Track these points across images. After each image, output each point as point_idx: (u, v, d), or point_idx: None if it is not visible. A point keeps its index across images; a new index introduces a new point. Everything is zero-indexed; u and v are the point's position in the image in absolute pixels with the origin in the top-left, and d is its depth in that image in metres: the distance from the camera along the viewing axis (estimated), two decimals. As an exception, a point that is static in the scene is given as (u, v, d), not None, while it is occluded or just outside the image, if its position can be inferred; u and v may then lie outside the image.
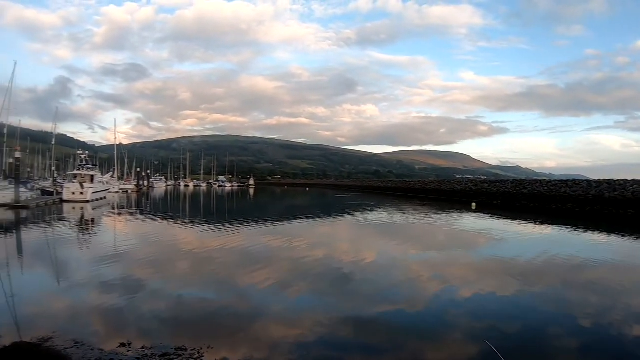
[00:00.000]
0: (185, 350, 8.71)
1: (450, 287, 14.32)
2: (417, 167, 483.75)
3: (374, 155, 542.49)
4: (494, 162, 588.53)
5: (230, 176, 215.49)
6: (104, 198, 65.67)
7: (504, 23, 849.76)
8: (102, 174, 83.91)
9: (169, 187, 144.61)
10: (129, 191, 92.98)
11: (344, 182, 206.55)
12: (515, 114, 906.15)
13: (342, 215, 47.47)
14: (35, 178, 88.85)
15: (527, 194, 56.83)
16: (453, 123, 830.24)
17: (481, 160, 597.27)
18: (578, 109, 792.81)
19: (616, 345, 9.55)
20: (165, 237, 27.12)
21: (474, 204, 53.49)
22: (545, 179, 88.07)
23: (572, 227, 32.09)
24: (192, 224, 35.10)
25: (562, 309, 12.10)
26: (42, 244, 24.66)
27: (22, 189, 48.73)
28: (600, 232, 30.02)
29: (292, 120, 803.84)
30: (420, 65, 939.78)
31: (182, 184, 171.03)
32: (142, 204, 62.09)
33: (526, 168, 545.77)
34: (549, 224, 34.62)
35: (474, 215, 44.14)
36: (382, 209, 55.80)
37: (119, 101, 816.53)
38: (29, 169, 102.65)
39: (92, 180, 62.99)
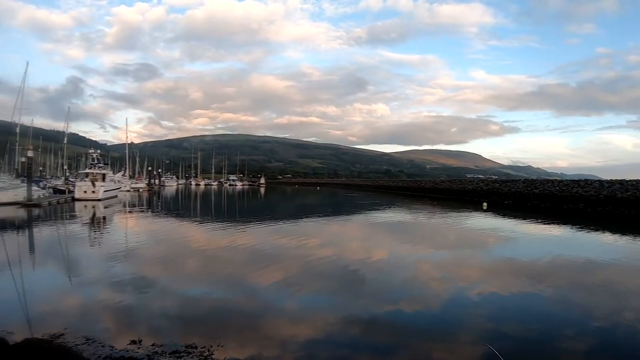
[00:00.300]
0: (196, 348, 8.74)
1: (458, 288, 14.25)
2: (428, 166, 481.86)
3: (385, 154, 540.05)
4: (505, 162, 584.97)
5: (241, 175, 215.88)
6: (116, 196, 65.96)
7: (515, 21, 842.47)
8: (113, 173, 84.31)
9: (180, 186, 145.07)
10: (140, 190, 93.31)
11: (355, 181, 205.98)
12: (526, 113, 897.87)
13: (352, 215, 47.44)
14: (47, 177, 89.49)
15: (539, 194, 56.48)
16: (464, 122, 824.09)
17: (492, 159, 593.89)
18: (589, 108, 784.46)
19: (625, 352, 9.34)
20: (176, 236, 27.23)
21: (485, 204, 53.24)
22: (557, 179, 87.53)
23: (583, 228, 31.83)
24: (202, 223, 35.18)
25: (569, 311, 12.01)
26: (54, 241, 24.82)
27: (35, 188, 49.10)
28: (612, 233, 29.75)
29: (303, 119, 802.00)
30: (431, 64, 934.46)
31: (193, 182, 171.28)
32: (153, 203, 62.35)
33: (538, 168, 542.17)
34: (560, 225, 34.34)
35: (485, 215, 43.94)
36: (392, 209, 55.72)
37: (130, 101, 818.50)
38: (41, 168, 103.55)
39: (103, 179, 63.35)
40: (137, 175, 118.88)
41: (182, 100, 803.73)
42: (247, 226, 32.34)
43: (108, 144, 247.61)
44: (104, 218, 38.66)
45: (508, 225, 35.61)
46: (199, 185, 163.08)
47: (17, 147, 61.90)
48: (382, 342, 9.59)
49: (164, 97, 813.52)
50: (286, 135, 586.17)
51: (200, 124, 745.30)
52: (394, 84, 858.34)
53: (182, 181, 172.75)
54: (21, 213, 38.65)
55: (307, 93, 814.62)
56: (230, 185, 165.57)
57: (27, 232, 28.94)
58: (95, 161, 69.32)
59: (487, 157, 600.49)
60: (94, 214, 41.30)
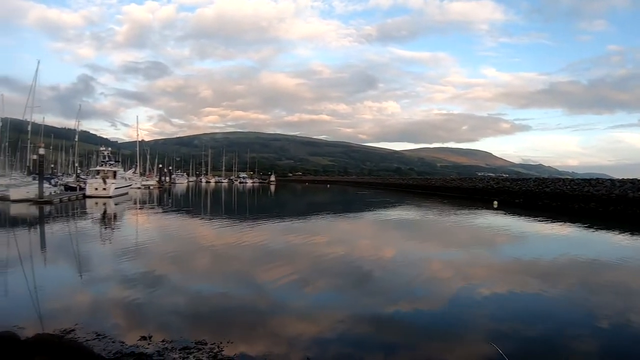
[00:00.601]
0: (205, 344, 8.77)
1: (466, 287, 14.13)
2: (438, 164, 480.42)
3: (395, 152, 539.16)
4: (516, 160, 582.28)
5: (252, 173, 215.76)
6: (126, 194, 66.27)
7: (526, 18, 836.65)
8: (124, 170, 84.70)
9: (190, 184, 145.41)
10: (151, 187, 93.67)
11: (365, 179, 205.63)
12: (537, 111, 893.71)
13: (362, 212, 47.36)
14: (59, 174, 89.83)
15: (550, 192, 56.11)
16: (475, 120, 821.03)
17: (503, 158, 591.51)
18: (601, 106, 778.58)
19: (633, 354, 9.20)
20: (186, 233, 27.32)
21: (495, 202, 53.04)
22: (568, 177, 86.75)
23: (594, 227, 31.59)
24: (212, 220, 35.23)
25: (577, 311, 11.88)
26: (65, 238, 24.96)
27: (46, 185, 49.36)
28: (623, 232, 29.48)
29: (314, 117, 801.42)
30: (442, 62, 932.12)
31: (203, 180, 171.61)
32: (163, 200, 62.56)
33: (549, 166, 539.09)
34: (570, 224, 34.08)
35: (495, 213, 43.79)
36: (402, 207, 55.61)
37: (141, 99, 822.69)
38: (52, 165, 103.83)
39: (114, 176, 63.58)
40: (147, 173, 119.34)
41: (192, 98, 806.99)
42: (256, 223, 32.35)
43: (119, 142, 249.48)
44: (115, 215, 38.84)
45: (518, 224, 35.46)
46: (210, 182, 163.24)
47: (28, 145, 62.37)
48: (388, 340, 9.57)
49: (175, 95, 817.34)
50: (296, 133, 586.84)
51: (211, 121, 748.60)
52: (404, 81, 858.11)
53: (192, 179, 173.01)
54: (33, 210, 38.92)
55: (318, 91, 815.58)
56: (240, 182, 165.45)
57: (38, 229, 29.13)
58: (106, 159, 69.60)
59: (498, 156, 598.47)
60: (105, 211, 41.47)
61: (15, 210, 38.41)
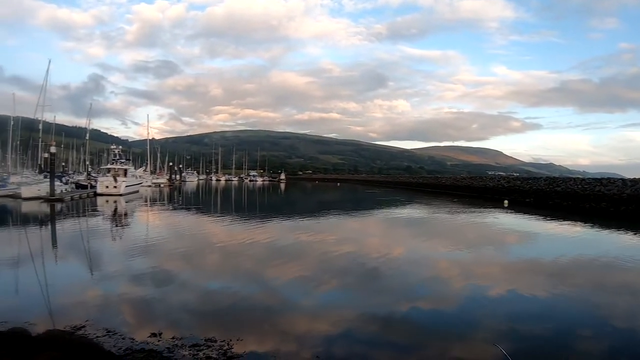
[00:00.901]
0: (215, 341, 8.79)
1: (474, 287, 14.06)
2: (448, 163, 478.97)
3: (406, 150, 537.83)
4: (526, 159, 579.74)
5: (262, 171, 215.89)
6: (137, 192, 66.54)
7: (536, 16, 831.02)
8: (135, 168, 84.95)
9: (200, 182, 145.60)
10: (162, 185, 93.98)
11: (375, 177, 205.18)
12: (548, 109, 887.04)
13: (372, 211, 47.31)
14: (70, 172, 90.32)
15: (561, 192, 55.74)
16: (485, 119, 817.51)
17: (514, 156, 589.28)
18: (612, 104, 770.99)
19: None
20: (196, 231, 27.41)
21: (506, 202, 52.82)
22: (579, 176, 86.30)
23: (605, 227, 31.37)
24: (223, 218, 35.31)
25: (584, 313, 11.77)
26: (76, 236, 25.11)
27: (57, 183, 49.62)
28: (635, 233, 29.25)
29: (324, 115, 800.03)
30: (452, 60, 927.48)
31: (213, 178, 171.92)
32: (174, 198, 62.78)
33: (559, 165, 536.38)
34: (581, 224, 33.82)
35: (505, 212, 43.61)
36: (412, 205, 55.50)
37: (151, 97, 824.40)
38: (63, 163, 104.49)
39: (125, 174, 63.91)
40: (158, 171, 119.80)
41: (202, 97, 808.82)
42: (266, 222, 32.42)
43: (129, 140, 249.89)
44: (125, 213, 39.01)
45: (528, 223, 35.30)
46: (220, 180, 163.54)
47: (40, 143, 62.82)
48: (394, 339, 9.55)
49: (185, 93, 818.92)
50: (306, 131, 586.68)
51: (221, 120, 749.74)
52: (414, 80, 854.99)
53: (202, 177, 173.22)
54: (44, 208, 39.17)
55: (328, 89, 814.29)
56: (250, 181, 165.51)
57: (49, 226, 29.32)
58: (117, 157, 69.99)
59: (509, 154, 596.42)
60: (116, 209, 41.69)
61: (26, 207, 38.66)
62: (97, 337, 8.71)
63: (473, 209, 48.29)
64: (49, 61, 58.07)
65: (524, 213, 42.67)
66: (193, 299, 12.00)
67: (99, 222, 30.88)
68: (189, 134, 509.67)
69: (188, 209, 43.74)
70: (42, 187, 47.11)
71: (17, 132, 73.16)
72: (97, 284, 13.33)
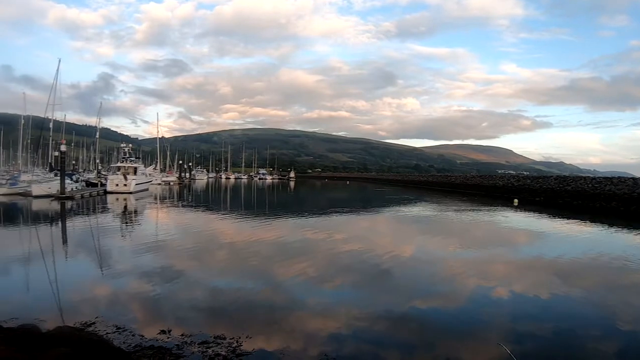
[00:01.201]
0: (224, 339, 8.81)
1: (482, 286, 13.94)
2: (458, 161, 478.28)
3: (415, 149, 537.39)
4: (537, 158, 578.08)
5: (271, 169, 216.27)
6: (147, 190, 66.84)
7: (546, 13, 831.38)
8: (144, 167, 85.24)
9: (210, 180, 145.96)
10: (171, 183, 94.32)
11: (385, 175, 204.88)
12: (558, 107, 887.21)
13: (381, 209, 47.15)
14: (80, 170, 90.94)
15: (571, 191, 55.38)
16: (495, 117, 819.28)
17: (524, 155, 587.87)
18: (623, 103, 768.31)
19: None
20: (205, 229, 27.47)
21: (515, 200, 52.58)
22: (590, 175, 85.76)
23: (615, 227, 31.06)
24: (232, 216, 35.31)
25: (590, 314, 11.59)
26: (86, 233, 25.23)
27: (67, 181, 50.03)
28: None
29: (333, 113, 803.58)
30: (461, 58, 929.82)
31: (223, 176, 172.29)
32: (183, 196, 62.92)
33: (570, 164, 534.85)
34: (592, 223, 33.55)
35: (515, 211, 43.38)
36: (421, 204, 55.29)
37: (160, 96, 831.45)
38: (73, 162, 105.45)
39: (135, 173, 64.18)
40: (168, 169, 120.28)
41: (211, 95, 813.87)
42: (276, 219, 32.46)
43: (139, 138, 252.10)
44: (135, 211, 39.17)
45: (538, 222, 35.11)
46: (229, 178, 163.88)
47: (50, 142, 62.96)
48: (400, 338, 9.57)
49: (194, 92, 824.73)
50: (316, 130, 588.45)
51: (230, 118, 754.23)
52: (423, 78, 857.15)
53: (212, 175, 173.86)
54: (54, 205, 39.40)
55: (337, 87, 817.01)
56: (260, 179, 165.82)
57: (60, 224, 29.49)
58: (127, 155, 70.24)
59: (519, 153, 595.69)
60: (126, 207, 41.88)
61: (37, 205, 38.90)
62: (107, 333, 8.77)
63: (483, 208, 48.07)
64: (59, 60, 58.21)
65: (534, 212, 42.42)
66: (202, 296, 12.04)
67: (109, 220, 31.02)
68: (198, 132, 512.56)
69: (197, 207, 43.83)
70: (52, 185, 47.50)
71: (28, 131, 73.77)
72: (107, 281, 13.40)
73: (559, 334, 9.83)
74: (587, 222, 33.89)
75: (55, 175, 51.85)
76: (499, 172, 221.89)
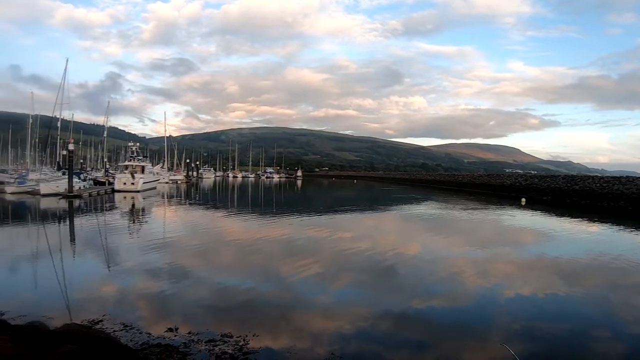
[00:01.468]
0: (231, 337, 8.82)
1: (487, 286, 13.91)
2: (465, 160, 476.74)
3: (422, 147, 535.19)
4: (544, 157, 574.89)
5: (278, 168, 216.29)
6: (154, 188, 66.95)
7: (554, 11, 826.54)
8: (152, 165, 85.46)
9: (217, 178, 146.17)
10: (179, 182, 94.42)
11: (392, 174, 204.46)
12: (566, 106, 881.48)
13: (388, 207, 47.08)
14: (88, 169, 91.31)
15: (579, 190, 55.03)
16: (502, 115, 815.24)
17: (531, 154, 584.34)
18: (632, 101, 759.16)
19: None
20: (213, 227, 27.49)
21: (523, 200, 52.36)
22: (598, 175, 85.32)
23: (623, 227, 30.80)
24: (239, 214, 35.33)
25: (595, 315, 11.48)
26: (94, 231, 25.34)
27: (75, 179, 50.26)
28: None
29: (340, 112, 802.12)
30: (468, 56, 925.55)
31: (230, 175, 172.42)
32: (190, 194, 63.01)
33: (578, 163, 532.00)
34: (599, 223, 33.34)
35: (522, 210, 43.19)
36: (429, 203, 55.20)
37: (168, 95, 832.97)
38: (81, 160, 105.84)
39: (142, 171, 64.34)
40: (175, 168, 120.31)
41: (218, 94, 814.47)
42: (283, 218, 32.46)
43: (147, 137, 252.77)
44: (143, 209, 39.29)
45: (545, 221, 34.97)
46: (236, 177, 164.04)
47: (58, 141, 63.27)
48: (404, 337, 9.58)
49: (201, 91, 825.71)
50: (323, 128, 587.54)
51: (237, 117, 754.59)
52: (430, 76, 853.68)
53: (219, 173, 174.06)
54: (62, 204, 39.58)
55: (344, 86, 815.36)
56: (267, 177, 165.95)
57: (68, 222, 29.61)
58: (135, 154, 70.34)
59: (526, 152, 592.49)
60: (133, 205, 42.02)
61: (45, 204, 39.09)
62: (114, 331, 8.80)
63: (490, 207, 47.93)
64: (67, 60, 58.43)
65: (542, 211, 42.24)
66: (209, 294, 12.06)
67: (116, 218, 31.14)
68: (205, 131, 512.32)
69: (205, 205, 43.92)
70: (60, 184, 47.76)
71: (36, 130, 74.06)
72: (114, 279, 13.45)
73: (565, 335, 9.79)
74: (595, 221, 33.72)
75: (63, 174, 52.07)
76: (507, 171, 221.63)
